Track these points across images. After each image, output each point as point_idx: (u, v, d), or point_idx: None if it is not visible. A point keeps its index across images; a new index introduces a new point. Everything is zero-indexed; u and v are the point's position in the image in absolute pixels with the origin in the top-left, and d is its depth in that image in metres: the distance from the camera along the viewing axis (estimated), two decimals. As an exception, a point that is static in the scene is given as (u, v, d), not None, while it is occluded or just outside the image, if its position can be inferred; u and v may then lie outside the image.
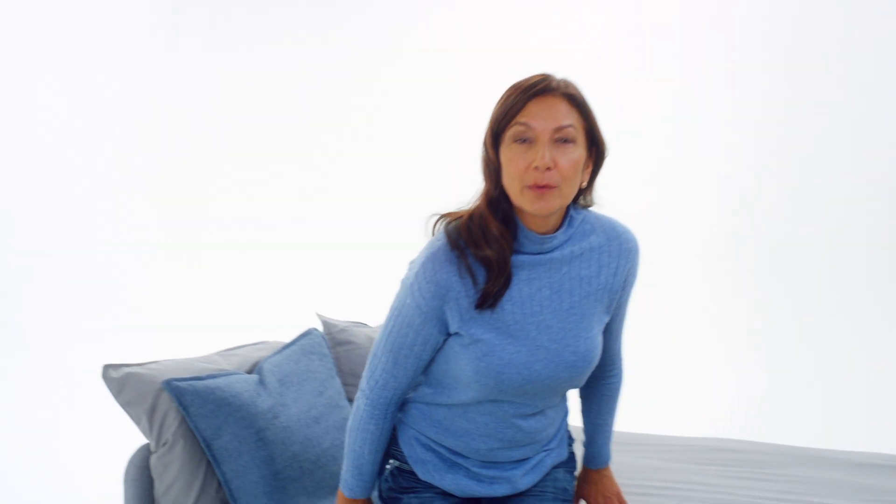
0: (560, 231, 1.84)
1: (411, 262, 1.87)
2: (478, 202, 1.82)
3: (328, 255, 5.44)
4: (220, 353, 2.69)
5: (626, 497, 2.55)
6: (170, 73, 5.46)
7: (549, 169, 1.71)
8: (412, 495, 2.03)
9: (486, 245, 1.77)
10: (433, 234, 1.87)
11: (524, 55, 5.21)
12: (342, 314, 3.14)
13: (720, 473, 2.85)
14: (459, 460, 2.00)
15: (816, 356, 5.29)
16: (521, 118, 1.72)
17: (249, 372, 2.62)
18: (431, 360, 1.93)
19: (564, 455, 2.12)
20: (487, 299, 1.78)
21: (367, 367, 1.97)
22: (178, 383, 2.36)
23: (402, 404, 2.05)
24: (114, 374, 2.42)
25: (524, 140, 1.72)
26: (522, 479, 2.01)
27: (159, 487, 2.39)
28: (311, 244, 5.45)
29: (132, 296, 5.31)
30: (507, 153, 1.74)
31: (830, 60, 5.09)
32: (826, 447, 3.25)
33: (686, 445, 3.16)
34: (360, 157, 5.51)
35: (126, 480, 2.44)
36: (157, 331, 5.02)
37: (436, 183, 4.70)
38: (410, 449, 2.04)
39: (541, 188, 1.71)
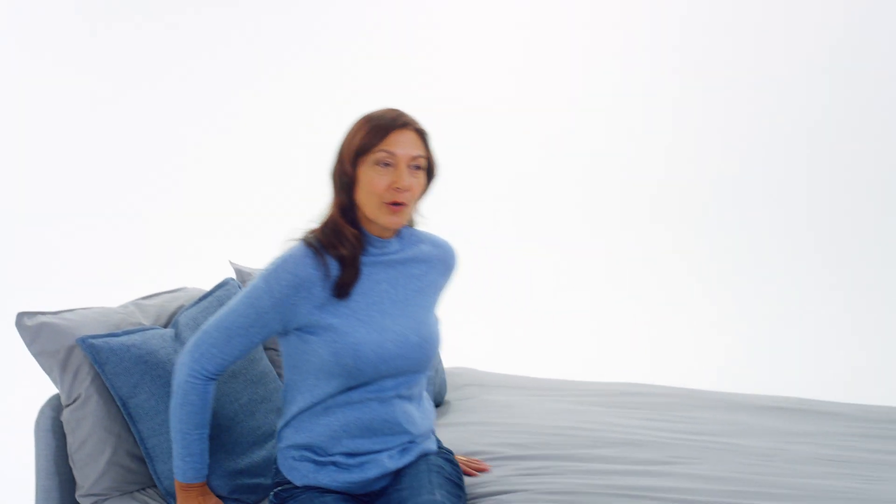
0: (395, 239, 2.19)
1: (267, 264, 2.10)
2: (329, 213, 2.12)
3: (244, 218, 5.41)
4: (136, 303, 2.63)
5: (541, 438, 2.61)
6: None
7: (406, 190, 2.07)
8: (292, 501, 2.12)
9: (340, 245, 2.07)
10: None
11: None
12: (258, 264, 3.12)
13: (630, 415, 2.91)
14: (328, 458, 2.14)
15: (720, 302, 5.42)
16: (384, 146, 2.06)
17: (166, 325, 2.58)
18: (292, 367, 2.13)
19: (434, 448, 2.28)
20: (343, 288, 2.06)
21: (192, 340, 2.11)
22: (93, 341, 2.32)
23: (279, 432, 2.21)
24: (28, 322, 2.37)
25: (386, 164, 2.06)
26: (390, 462, 2.16)
27: (72, 443, 2.35)
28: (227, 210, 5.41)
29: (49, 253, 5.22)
30: (370, 174, 2.07)
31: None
32: (730, 391, 3.35)
33: (596, 390, 3.23)
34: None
35: (37, 432, 2.39)
36: (75, 286, 4.94)
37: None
38: (285, 463, 2.18)
39: (397, 205, 2.08)
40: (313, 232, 2.13)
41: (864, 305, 5.28)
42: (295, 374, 2.15)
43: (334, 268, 2.07)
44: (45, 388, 2.63)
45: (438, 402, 3.08)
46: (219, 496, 2.29)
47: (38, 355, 2.38)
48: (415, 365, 2.15)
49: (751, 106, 5.53)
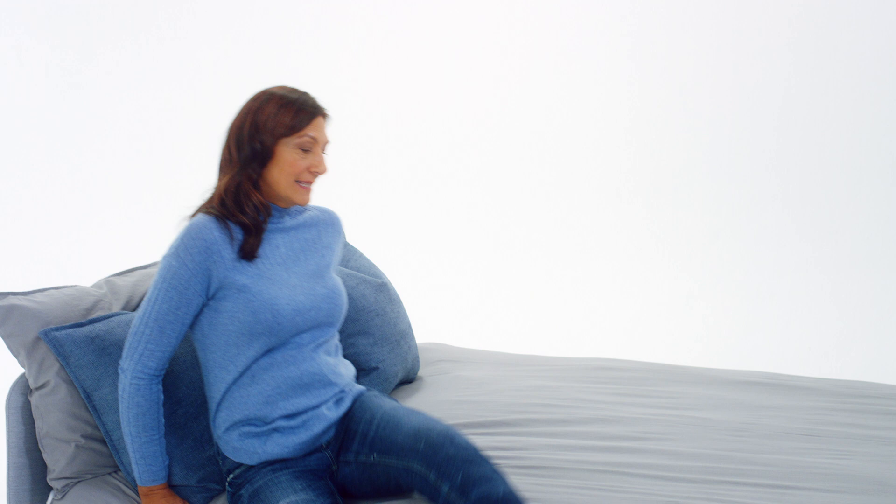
0: (292, 209, 2.31)
1: (166, 250, 2.15)
2: (225, 184, 2.19)
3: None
4: (109, 281, 2.59)
5: (513, 414, 2.60)
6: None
7: (321, 173, 2.24)
8: (249, 485, 2.14)
9: (241, 213, 2.16)
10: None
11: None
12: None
13: (602, 391, 2.91)
14: (269, 426, 2.17)
15: (693, 277, 5.44)
16: (309, 131, 2.19)
17: (136, 307, 2.54)
18: (208, 348, 2.17)
19: (364, 389, 2.37)
20: (249, 251, 2.15)
21: (126, 347, 2.14)
22: (56, 334, 2.30)
23: (212, 422, 2.23)
24: None
25: (306, 149, 2.20)
26: (329, 412, 2.22)
27: (40, 427, 2.33)
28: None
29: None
30: (292, 155, 2.19)
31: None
32: (703, 365, 3.35)
33: (569, 365, 3.22)
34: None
35: (8, 410, 2.37)
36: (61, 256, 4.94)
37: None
38: (228, 448, 2.20)
39: (308, 184, 2.23)
40: (208, 205, 2.21)
41: (838, 281, 5.31)
42: (212, 353, 2.18)
43: (237, 232, 2.16)
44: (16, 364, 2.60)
45: (411, 378, 3.07)
46: (187, 486, 2.27)
47: (7, 337, 2.35)
48: (327, 316, 2.25)
49: (721, 81, 5.53)
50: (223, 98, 5.18)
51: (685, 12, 5.51)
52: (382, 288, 3.02)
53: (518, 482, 2.14)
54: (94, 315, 2.44)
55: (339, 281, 2.35)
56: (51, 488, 2.38)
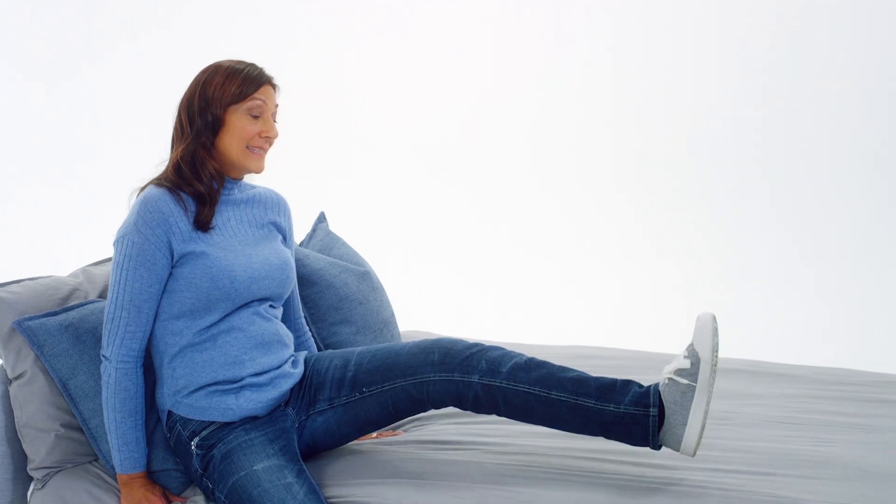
0: (243, 182, 2.37)
1: (119, 229, 2.18)
2: (180, 154, 2.22)
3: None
4: (86, 270, 2.58)
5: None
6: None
7: (273, 138, 2.28)
8: (222, 445, 2.14)
9: (197, 181, 2.21)
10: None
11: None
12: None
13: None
14: (238, 384, 2.20)
15: (677, 265, 5.45)
16: (258, 96, 2.24)
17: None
18: (162, 316, 2.19)
19: (308, 352, 2.44)
20: (204, 220, 2.19)
21: (105, 335, 2.16)
22: (30, 323, 2.28)
23: (163, 390, 2.23)
24: None
25: (255, 115, 2.23)
26: (293, 370, 2.29)
27: (19, 417, 2.32)
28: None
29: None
30: (242, 121, 2.23)
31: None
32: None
33: (552, 353, 3.22)
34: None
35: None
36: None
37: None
38: (195, 410, 2.19)
39: (261, 150, 2.27)
40: (160, 178, 2.24)
41: (819, 270, 5.32)
42: (166, 322, 2.19)
43: (191, 203, 2.21)
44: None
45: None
46: (164, 470, 2.27)
47: None
48: (279, 285, 2.30)
49: (706, 73, 5.52)
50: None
51: (671, 2, 5.51)
52: (365, 276, 3.01)
53: (501, 469, 2.15)
54: (71, 304, 2.42)
55: (289, 254, 2.41)
56: (31, 478, 2.36)
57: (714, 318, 2.03)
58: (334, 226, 3.35)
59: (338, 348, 2.82)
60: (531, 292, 5.40)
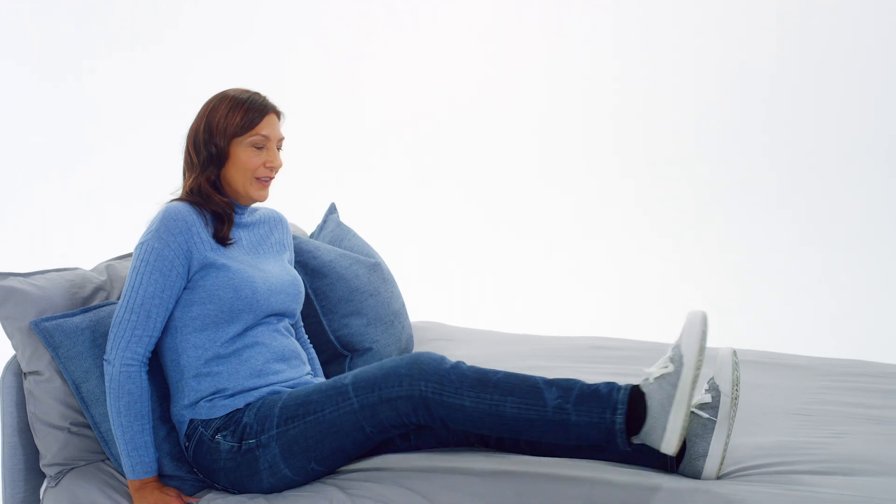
0: (249, 207, 2.41)
1: (140, 237, 2.22)
2: (189, 187, 2.28)
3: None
4: (109, 265, 2.57)
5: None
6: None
7: (277, 168, 2.32)
8: (248, 410, 2.19)
9: (206, 202, 2.26)
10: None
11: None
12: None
13: (597, 370, 2.91)
14: (262, 389, 2.25)
15: (686, 256, 5.44)
16: (260, 130, 2.27)
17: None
18: (183, 330, 2.22)
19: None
20: (224, 235, 2.25)
21: (111, 337, 2.17)
22: (47, 324, 2.28)
23: (180, 402, 2.24)
24: (0, 282, 2.33)
25: (260, 147, 2.27)
26: (314, 380, 2.36)
27: (32, 412, 2.33)
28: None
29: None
30: (246, 153, 2.27)
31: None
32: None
33: (564, 344, 3.22)
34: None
35: (2, 389, 2.36)
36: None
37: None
38: (219, 409, 2.21)
39: (266, 180, 2.32)
40: (179, 199, 2.29)
41: (832, 259, 5.30)
42: (186, 335, 2.22)
43: (210, 219, 2.27)
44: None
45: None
46: (176, 476, 2.27)
47: (4, 319, 2.35)
48: (293, 301, 2.38)
49: (712, 58, 5.50)
50: (223, 82, 5.20)
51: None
52: (376, 268, 3.01)
53: (510, 464, 2.15)
54: (93, 303, 2.43)
55: (294, 272, 2.47)
56: (44, 474, 2.37)
57: (704, 325, 2.01)
58: (345, 217, 3.34)
59: (349, 340, 2.82)
60: (540, 283, 5.40)
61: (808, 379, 2.81)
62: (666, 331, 4.06)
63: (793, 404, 2.57)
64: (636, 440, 2.00)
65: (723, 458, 1.98)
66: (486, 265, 5.48)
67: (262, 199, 2.35)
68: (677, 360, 1.97)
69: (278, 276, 2.35)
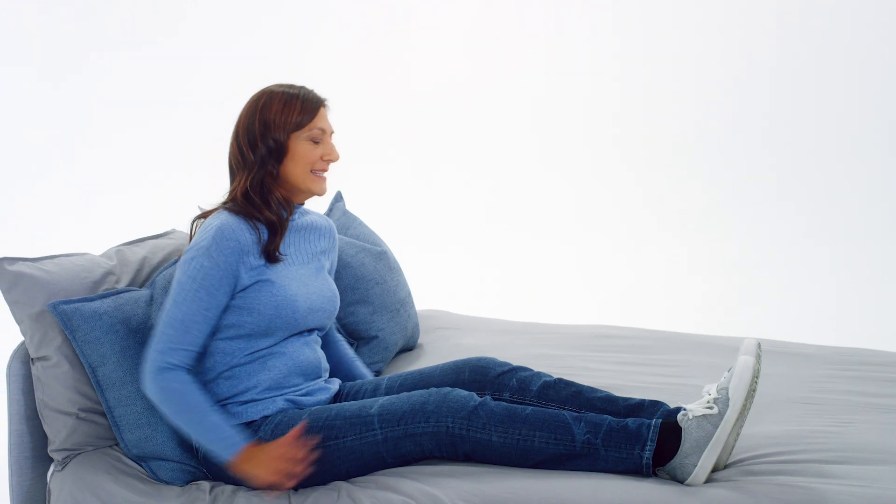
0: (302, 208, 2.41)
1: (189, 249, 2.20)
2: (248, 183, 2.23)
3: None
4: (120, 251, 2.56)
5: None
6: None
7: (334, 160, 2.32)
8: (265, 424, 2.21)
9: (267, 209, 2.22)
10: (192, 231, 2.32)
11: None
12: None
13: (604, 359, 2.91)
14: (282, 395, 2.27)
15: (693, 246, 5.43)
16: (316, 123, 2.26)
17: (145, 282, 2.51)
18: (219, 336, 2.22)
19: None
20: (273, 249, 2.22)
21: (152, 350, 2.15)
22: (65, 307, 2.27)
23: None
24: (8, 267, 2.32)
25: (317, 141, 2.27)
26: (329, 386, 2.38)
27: (40, 398, 2.32)
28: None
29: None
30: (305, 147, 2.25)
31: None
32: (702, 333, 3.34)
33: (572, 333, 3.22)
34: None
35: (9, 376, 2.37)
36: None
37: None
38: (232, 417, 2.21)
39: (324, 174, 2.32)
40: (229, 203, 2.27)
41: (838, 247, 5.29)
42: (219, 342, 2.23)
43: (263, 231, 2.23)
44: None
45: (411, 346, 3.07)
46: (190, 464, 2.28)
47: (13, 304, 2.34)
48: (329, 316, 2.38)
49: (714, 49, 5.50)
50: (229, 77, 5.21)
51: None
52: (382, 256, 3.01)
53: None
54: (103, 288, 2.42)
55: (335, 287, 2.45)
56: (51, 460, 2.37)
57: (756, 373, 2.03)
58: (351, 205, 3.34)
59: (355, 328, 2.83)
60: (546, 270, 5.40)
61: (813, 367, 2.80)
62: (673, 321, 4.06)
63: (798, 393, 2.57)
64: (660, 472, 2.04)
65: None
66: (492, 254, 5.49)
67: (321, 193, 2.33)
68: (723, 402, 1.99)
69: (319, 291, 2.33)
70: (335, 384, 2.40)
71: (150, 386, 2.13)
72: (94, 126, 5.34)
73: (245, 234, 2.18)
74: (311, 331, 2.34)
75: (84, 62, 5.32)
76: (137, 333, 2.32)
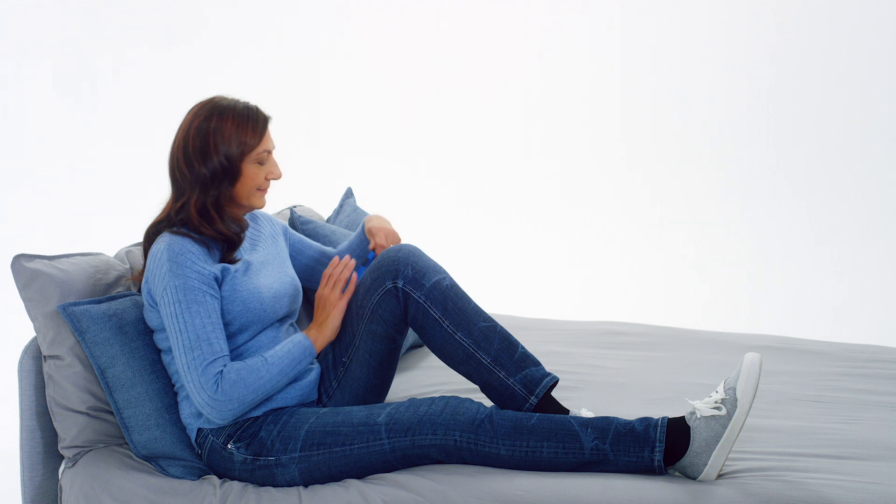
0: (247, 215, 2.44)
1: (156, 284, 2.20)
2: (195, 205, 2.23)
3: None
4: (129, 252, 2.57)
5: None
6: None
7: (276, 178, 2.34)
8: (267, 424, 2.22)
9: (223, 225, 2.24)
10: (147, 243, 2.30)
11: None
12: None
13: (613, 356, 2.92)
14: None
15: (700, 242, 5.43)
16: (263, 146, 2.26)
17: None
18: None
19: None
20: (230, 260, 2.26)
21: (187, 383, 2.14)
22: (75, 308, 2.28)
23: (185, 409, 2.28)
24: (25, 263, 2.34)
25: (262, 162, 2.27)
26: (311, 366, 2.40)
27: (51, 396, 2.33)
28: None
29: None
30: (253, 169, 2.26)
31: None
32: (710, 329, 3.34)
33: (579, 329, 3.22)
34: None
35: (20, 373, 2.38)
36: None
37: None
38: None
39: (266, 189, 2.32)
40: (170, 223, 2.26)
41: (846, 244, 5.29)
42: (228, 324, 2.26)
43: (213, 244, 2.25)
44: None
45: (420, 344, 3.07)
46: (191, 461, 2.31)
47: (28, 300, 2.35)
48: (294, 301, 2.41)
49: (719, 45, 5.50)
50: (249, 80, 5.22)
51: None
52: (391, 252, 3.01)
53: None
54: (116, 291, 2.44)
55: (294, 272, 2.49)
56: (62, 456, 2.39)
57: (760, 372, 2.04)
58: (361, 201, 3.35)
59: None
60: (555, 265, 5.40)
61: (822, 364, 2.80)
62: (681, 317, 4.07)
63: (807, 390, 2.57)
64: (671, 470, 2.06)
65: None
66: (501, 251, 5.49)
67: (262, 207, 2.34)
68: (731, 402, 2.00)
69: (282, 280, 2.37)
70: (316, 365, 2.41)
71: (222, 402, 2.13)
72: (118, 127, 5.37)
73: (194, 246, 2.19)
74: (282, 320, 2.37)
75: (99, 62, 5.35)
76: (146, 336, 2.33)
